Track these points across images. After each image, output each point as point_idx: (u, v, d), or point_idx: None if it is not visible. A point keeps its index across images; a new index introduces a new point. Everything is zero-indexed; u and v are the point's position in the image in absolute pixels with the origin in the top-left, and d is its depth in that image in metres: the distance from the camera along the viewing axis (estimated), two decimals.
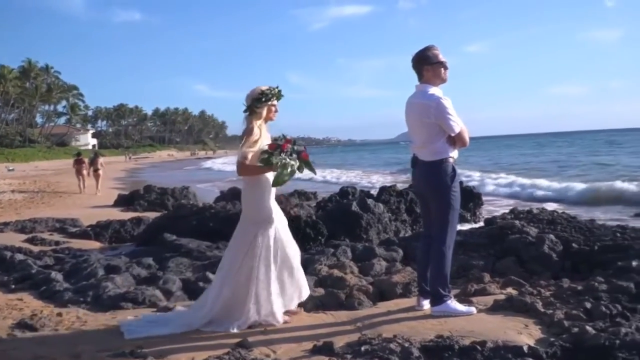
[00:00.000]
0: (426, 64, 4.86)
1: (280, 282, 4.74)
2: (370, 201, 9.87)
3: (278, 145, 4.57)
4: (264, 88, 4.77)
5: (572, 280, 5.89)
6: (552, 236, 6.77)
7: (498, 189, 22.08)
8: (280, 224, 4.82)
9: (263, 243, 4.67)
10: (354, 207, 9.35)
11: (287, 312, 4.84)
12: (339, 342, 4.21)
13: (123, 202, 17.30)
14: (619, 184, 18.80)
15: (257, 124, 4.75)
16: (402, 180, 23.28)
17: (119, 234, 10.53)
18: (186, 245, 8.00)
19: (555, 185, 21.09)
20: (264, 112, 4.78)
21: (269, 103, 4.78)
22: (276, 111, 4.89)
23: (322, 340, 4.23)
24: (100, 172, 24.63)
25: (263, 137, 4.73)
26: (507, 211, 10.21)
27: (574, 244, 6.64)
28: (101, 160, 25.31)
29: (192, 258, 7.39)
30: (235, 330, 4.55)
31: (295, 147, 4.62)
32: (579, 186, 19.60)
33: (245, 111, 4.79)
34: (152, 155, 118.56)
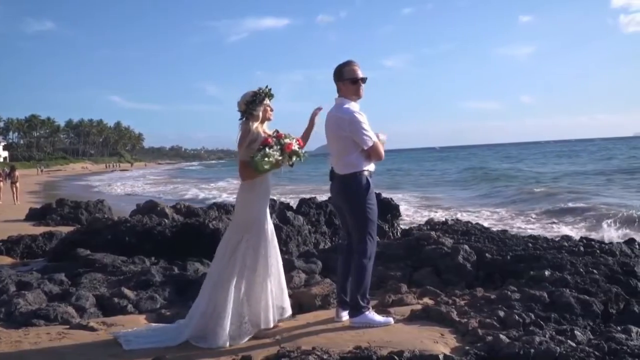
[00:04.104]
0: (343, 79, 4.93)
1: (261, 289, 4.70)
2: (289, 213, 9.87)
3: (267, 142, 4.66)
4: (254, 90, 4.79)
5: (486, 289, 6.04)
6: (466, 247, 6.93)
7: None
8: (269, 231, 4.83)
9: (247, 249, 4.67)
10: (274, 219, 9.32)
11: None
12: (258, 356, 4.18)
13: (35, 216, 16.64)
14: None
15: (255, 125, 4.76)
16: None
17: (31, 249, 10.10)
18: (100, 260, 7.75)
19: None
20: (261, 114, 4.79)
21: (265, 103, 4.80)
22: (272, 110, 4.90)
23: (241, 354, 4.19)
24: (18, 184, 26.74)
25: (260, 139, 4.73)
26: (423, 222, 10.40)
27: (487, 254, 6.81)
28: (17, 173, 27.42)
29: (107, 273, 7.17)
30: (220, 346, 4.47)
31: (282, 141, 4.70)
32: None
33: (241, 118, 4.81)
34: (65, 168, 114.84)
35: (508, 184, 30.22)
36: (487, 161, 71.19)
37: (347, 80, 4.94)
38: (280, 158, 4.65)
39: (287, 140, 4.73)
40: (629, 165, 43.45)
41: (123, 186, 45.47)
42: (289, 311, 5.01)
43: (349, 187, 4.88)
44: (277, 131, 4.83)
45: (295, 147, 4.76)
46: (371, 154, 4.87)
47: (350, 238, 5.06)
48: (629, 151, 72.89)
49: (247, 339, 4.59)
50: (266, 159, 4.56)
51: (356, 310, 4.86)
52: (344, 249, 5.25)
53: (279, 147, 4.66)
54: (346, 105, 4.87)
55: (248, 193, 4.81)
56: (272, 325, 4.76)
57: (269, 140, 4.66)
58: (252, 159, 4.60)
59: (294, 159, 4.77)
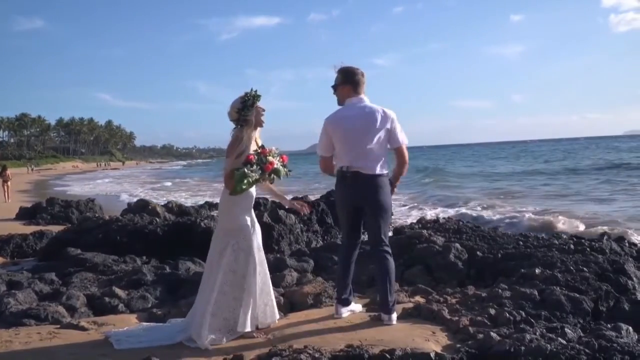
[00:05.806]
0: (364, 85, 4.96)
1: (247, 294, 4.65)
2: (281, 212, 9.86)
3: (249, 160, 4.56)
4: (241, 95, 4.70)
5: (477, 287, 6.06)
6: (457, 245, 6.95)
7: None
8: (254, 236, 4.78)
9: (233, 254, 4.63)
10: (266, 218, 9.32)
11: (257, 330, 4.77)
12: (250, 355, 4.18)
13: (25, 215, 16.56)
14: None
15: (248, 132, 4.68)
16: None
17: (21, 249, 10.07)
18: (91, 260, 7.73)
19: None
20: (254, 118, 4.69)
21: (255, 105, 4.70)
22: (264, 111, 4.79)
23: (232, 354, 4.19)
24: (9, 183, 27.13)
25: (251, 146, 4.68)
26: (414, 221, 10.42)
27: (478, 252, 6.83)
28: (9, 172, 27.80)
29: (98, 272, 7.16)
30: (201, 346, 4.44)
31: (264, 159, 4.59)
32: None
33: (236, 125, 4.71)
34: (55, 167, 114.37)
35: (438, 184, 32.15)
36: (452, 161, 73.67)
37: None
38: (257, 178, 4.58)
39: (270, 158, 4.61)
40: (581, 165, 44.74)
41: (80, 187, 44.91)
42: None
43: (383, 187, 4.86)
44: (263, 146, 4.71)
45: (277, 165, 4.65)
46: (399, 154, 4.89)
47: (357, 239, 5.11)
48: (596, 151, 73.62)
49: (230, 339, 4.57)
50: (244, 179, 4.50)
51: (390, 310, 4.84)
52: (346, 247, 5.20)
53: (259, 167, 4.56)
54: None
55: (230, 199, 4.70)
56: (251, 329, 4.68)
57: (251, 157, 4.55)
58: (236, 172, 4.54)
59: (273, 177, 4.69)
